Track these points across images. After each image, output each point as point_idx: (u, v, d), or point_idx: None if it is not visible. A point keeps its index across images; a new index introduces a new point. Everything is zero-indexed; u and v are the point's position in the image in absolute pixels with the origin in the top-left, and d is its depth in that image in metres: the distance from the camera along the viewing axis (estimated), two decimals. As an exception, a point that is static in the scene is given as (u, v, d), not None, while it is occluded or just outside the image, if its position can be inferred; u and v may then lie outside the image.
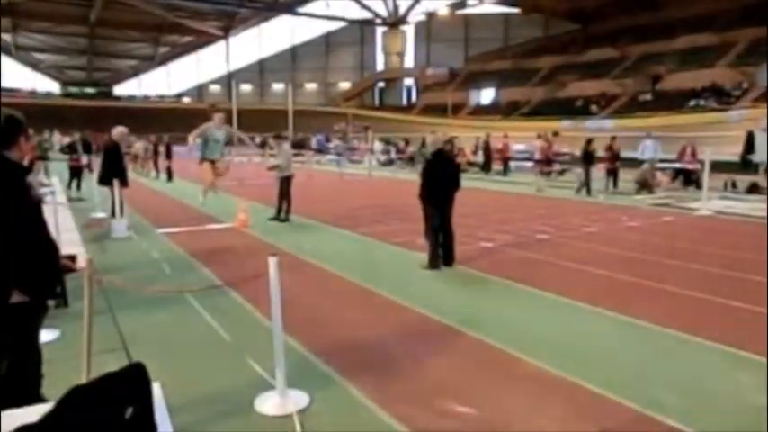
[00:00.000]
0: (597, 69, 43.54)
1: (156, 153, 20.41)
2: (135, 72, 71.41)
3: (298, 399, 3.35)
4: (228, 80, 63.97)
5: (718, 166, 14.14)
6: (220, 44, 69.25)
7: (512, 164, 23.51)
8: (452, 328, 4.63)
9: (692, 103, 34.34)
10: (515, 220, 10.62)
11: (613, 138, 16.43)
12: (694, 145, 17.07)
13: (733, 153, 16.75)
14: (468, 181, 18.17)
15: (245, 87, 67.78)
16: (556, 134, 23.17)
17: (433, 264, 6.65)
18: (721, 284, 6.05)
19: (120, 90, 69.33)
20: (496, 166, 23.16)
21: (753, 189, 14.98)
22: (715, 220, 11.11)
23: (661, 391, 3.49)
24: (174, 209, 12.39)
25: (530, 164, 21.18)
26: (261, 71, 70.66)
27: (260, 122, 47.76)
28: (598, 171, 15.70)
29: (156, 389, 1.83)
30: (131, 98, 65.10)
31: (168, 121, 48.82)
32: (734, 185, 15.56)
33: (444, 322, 4.78)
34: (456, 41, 62.79)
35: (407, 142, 28.49)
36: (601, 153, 16.00)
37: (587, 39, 49.69)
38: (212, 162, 9.52)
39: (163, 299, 5.29)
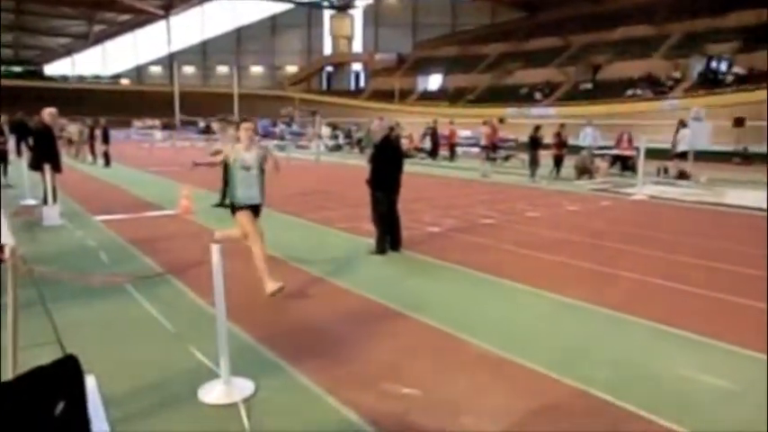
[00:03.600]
0: (541, 58, 44.60)
1: (92, 137, 19.46)
2: (67, 51, 67.67)
3: (243, 387, 3.31)
4: (170, 61, 61.65)
5: (652, 153, 14.84)
6: (161, 23, 66.49)
7: (458, 149, 23.88)
8: (399, 312, 4.68)
9: (629, 92, 35.78)
10: (461, 204, 10.80)
11: (561, 125, 16.96)
12: (630, 133, 17.85)
13: (666, 141, 17.58)
14: (416, 166, 18.33)
15: (188, 69, 65.56)
16: (502, 121, 23.66)
17: (381, 249, 6.69)
18: (653, 265, 6.37)
19: (51, 70, 65.56)
20: (443, 152, 23.46)
21: (681, 175, 15.81)
22: (649, 204, 11.67)
23: (596, 368, 3.66)
24: (111, 195, 11.88)
25: (476, 150, 21.55)
26: (204, 53, 68.46)
27: (204, 106, 46.35)
28: (544, 158, 16.17)
29: (91, 382, 1.76)
30: (64, 78, 61.69)
31: (105, 104, 46.75)
32: (666, 171, 16.36)
33: (391, 306, 4.82)
34: (404, 26, 62.76)
35: (358, 127, 28.41)
36: (548, 140, 16.49)
37: (533, 27, 50.74)
38: (254, 209, 5.36)
39: (100, 289, 5.09)
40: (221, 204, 9.99)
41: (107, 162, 17.92)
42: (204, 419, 3.02)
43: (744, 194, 12.37)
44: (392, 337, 4.19)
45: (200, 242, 6.48)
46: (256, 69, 68.40)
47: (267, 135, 33.86)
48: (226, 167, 9.83)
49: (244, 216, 5.24)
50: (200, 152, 23.54)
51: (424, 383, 3.41)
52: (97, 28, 65.59)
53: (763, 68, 31.48)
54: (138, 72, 68.50)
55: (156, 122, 45.09)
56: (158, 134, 38.07)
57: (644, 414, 3.07)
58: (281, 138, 30.49)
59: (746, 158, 22.65)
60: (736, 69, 33.01)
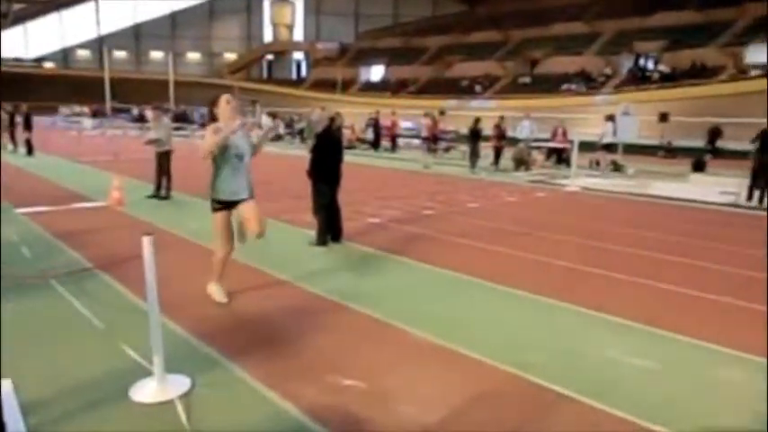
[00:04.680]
0: (481, 51, 45.46)
1: (12, 124, 18.22)
2: (-17, 30, 62.84)
3: (178, 383, 3.21)
4: (99, 45, 58.57)
5: (585, 146, 15.45)
6: (89, 4, 62.89)
7: (400, 141, 24.02)
8: (340, 304, 4.67)
9: (565, 86, 37.07)
10: (402, 196, 10.88)
11: (501, 117, 17.37)
12: (565, 126, 18.53)
13: (598, 134, 18.36)
14: (358, 157, 18.31)
15: (119, 54, 62.51)
16: (442, 113, 23.95)
17: (321, 240, 6.65)
18: (586, 254, 6.65)
19: (-36, 50, 60.75)
20: (385, 143, 23.54)
21: (615, 167, 16.60)
22: (581, 195, 12.17)
23: (533, 354, 3.78)
24: (35, 186, 11.18)
25: (417, 141, 21.76)
26: (137, 37, 65.38)
27: (137, 93, 44.45)
28: (484, 150, 16.53)
29: (6, 386, 1.65)
30: (-20, 60, 57.34)
31: (27, 89, 43.86)
32: (598, 164, 17.10)
33: (332, 298, 4.80)
34: (346, 16, 62.36)
35: (300, 117, 28.04)
36: (488, 132, 16.87)
37: (473, 21, 51.61)
38: (234, 206, 4.52)
39: (22, 286, 4.79)
40: (156, 196, 9.64)
41: (29, 150, 16.86)
42: (136, 419, 2.91)
43: (667, 186, 13.11)
44: (333, 329, 4.18)
45: (133, 235, 6.21)
46: (193, 56, 66.05)
47: (205, 124, 32.87)
48: (163, 157, 9.54)
49: (219, 216, 4.53)
50: (133, 141, 22.53)
51: (364, 374, 3.42)
52: (17, 6, 61.19)
53: (686, 67, 33.39)
54: (65, 55, 64.60)
55: (85, 109, 42.77)
56: (87, 122, 36.13)
57: (574, 395, 3.21)
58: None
59: (670, 152, 24.04)
60: (662, 67, 34.85)
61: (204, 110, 38.73)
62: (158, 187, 9.69)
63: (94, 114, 40.51)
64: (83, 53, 64.65)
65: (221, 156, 4.35)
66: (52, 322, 4.16)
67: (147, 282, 3.11)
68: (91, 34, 63.48)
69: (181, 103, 41.65)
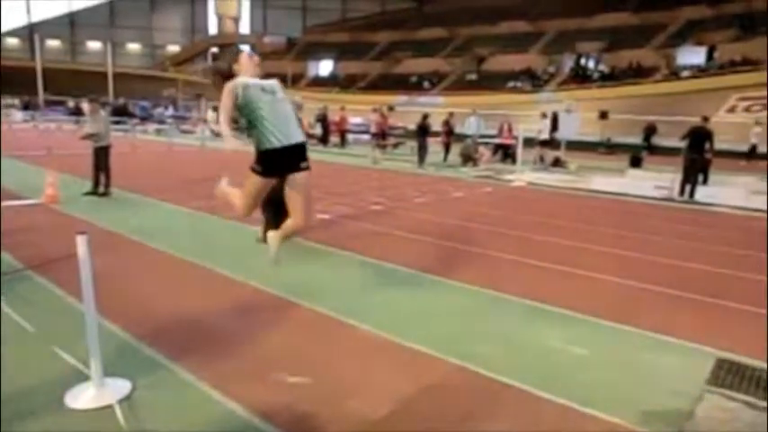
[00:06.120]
0: (430, 48, 45.93)
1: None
2: None
3: (118, 387, 3.09)
4: (30, 33, 55.45)
5: (530, 142, 15.89)
6: (18, -10, 59.38)
7: (349, 136, 23.97)
8: (286, 300, 4.62)
9: (511, 84, 37.96)
10: (352, 191, 10.87)
11: (450, 113, 17.65)
12: (511, 122, 19.02)
13: (536, 130, 18.92)
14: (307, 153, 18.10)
15: (53, 43, 59.39)
16: (391, 109, 24.09)
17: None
18: (530, 248, 6.84)
19: None
20: (334, 139, 23.43)
21: (556, 162, 17.15)
22: (527, 189, 12.51)
23: (475, 345, 3.86)
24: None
25: (366, 137, 21.77)
26: (71, 25, 62.25)
27: (72, 84, 42.37)
28: (432, 145, 16.73)
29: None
30: None
31: (-51, 78, 41.05)
32: (542, 159, 17.63)
33: (279, 295, 4.74)
34: (294, 10, 61.55)
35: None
36: (436, 128, 17.10)
37: (421, 17, 52.03)
38: (287, 168, 4.08)
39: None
40: (94, 193, 9.24)
41: (-46, 145, 15.80)
42: (72, 426, 2.78)
43: (606, 181, 13.65)
44: (279, 325, 4.13)
45: (69, 234, 5.92)
46: (133, 47, 63.55)
47: (147, 118, 31.76)
48: (100, 153, 9.12)
49: (258, 181, 3.94)
50: (68, 135, 21.50)
51: (312, 371, 3.40)
52: (-62, -9, 57.15)
53: (624, 67, 34.82)
54: (-8, 44, 60.86)
55: (15, 101, 40.40)
56: (18, 114, 34.19)
57: (516, 384, 3.30)
58: (161, 121, 28.65)
59: (609, 148, 25.10)
60: (602, 67, 36.24)
61: (145, 103, 37.40)
62: (96, 184, 9.30)
63: (26, 107, 38.36)
64: (11, 41, 60.99)
65: (245, 96, 3.78)
66: (-21, 327, 3.92)
67: (83, 282, 2.98)
68: (20, 21, 59.98)
69: (120, 95, 40.06)
